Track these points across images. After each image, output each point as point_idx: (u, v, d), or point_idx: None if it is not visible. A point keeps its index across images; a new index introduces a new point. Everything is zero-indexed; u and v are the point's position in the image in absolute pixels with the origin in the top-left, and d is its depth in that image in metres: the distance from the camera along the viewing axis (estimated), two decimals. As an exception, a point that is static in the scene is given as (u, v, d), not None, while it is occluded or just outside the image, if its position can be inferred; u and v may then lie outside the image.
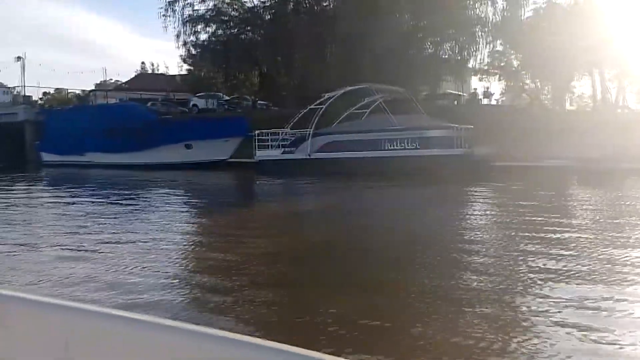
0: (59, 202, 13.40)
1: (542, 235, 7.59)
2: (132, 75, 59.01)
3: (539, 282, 5.09)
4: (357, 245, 7.66)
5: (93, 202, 13.49)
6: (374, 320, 4.17)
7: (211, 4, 37.43)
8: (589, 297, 4.56)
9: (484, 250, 6.83)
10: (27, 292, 1.83)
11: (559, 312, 4.19)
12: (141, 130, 27.19)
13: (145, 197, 14.69)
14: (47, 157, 32.08)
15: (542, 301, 4.49)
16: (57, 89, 56.68)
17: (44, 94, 56.20)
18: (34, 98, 49.32)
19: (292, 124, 22.88)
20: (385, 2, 28.53)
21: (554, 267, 5.61)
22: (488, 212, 11.50)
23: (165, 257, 6.56)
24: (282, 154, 22.62)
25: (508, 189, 15.16)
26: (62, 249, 7.07)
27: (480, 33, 31.54)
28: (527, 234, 7.79)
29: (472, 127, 20.23)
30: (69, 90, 53.66)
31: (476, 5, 31.11)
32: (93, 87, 55.89)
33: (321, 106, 22.37)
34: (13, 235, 8.21)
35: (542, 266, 5.69)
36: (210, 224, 10.09)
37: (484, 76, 39.73)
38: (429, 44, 33.17)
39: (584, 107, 40.13)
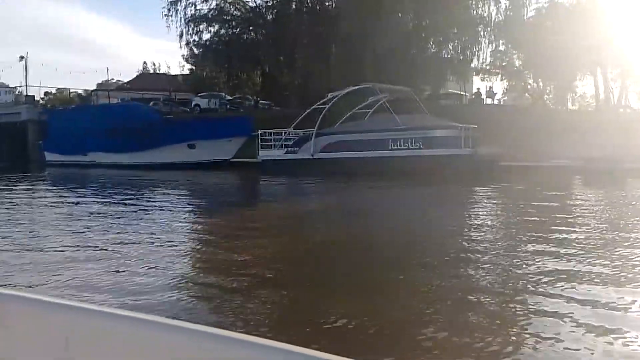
0: (63, 202, 13.40)
1: (549, 235, 7.58)
2: (134, 75, 59.16)
3: (549, 282, 5.06)
4: (358, 245, 7.65)
5: (97, 202, 13.49)
6: (374, 319, 4.15)
7: (214, 3, 37.57)
8: (601, 297, 4.53)
9: (490, 249, 6.79)
10: (27, 292, 1.82)
11: (571, 313, 4.16)
12: (144, 130, 27.16)
13: (149, 197, 14.69)
14: (50, 156, 32.13)
15: (553, 301, 4.45)
16: (59, 88, 56.78)
17: (46, 93, 56.37)
18: (36, 98, 49.39)
19: (295, 123, 22.83)
20: (387, 1, 28.50)
21: (563, 268, 5.58)
22: (493, 212, 11.48)
23: (170, 257, 6.55)
24: (285, 154, 22.57)
25: (512, 189, 15.15)
26: (68, 249, 7.04)
27: (482, 33, 31.52)
28: (533, 233, 7.77)
29: (476, 126, 20.20)
30: (71, 90, 53.74)
31: (479, 4, 31.10)
32: (95, 87, 56.07)
33: (324, 106, 22.30)
34: (18, 236, 8.18)
35: (551, 266, 5.66)
36: (214, 224, 10.08)
37: (486, 76, 39.71)
38: (431, 43, 33.12)
39: (586, 107, 40.14)
